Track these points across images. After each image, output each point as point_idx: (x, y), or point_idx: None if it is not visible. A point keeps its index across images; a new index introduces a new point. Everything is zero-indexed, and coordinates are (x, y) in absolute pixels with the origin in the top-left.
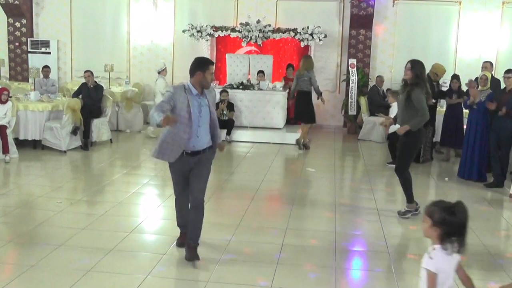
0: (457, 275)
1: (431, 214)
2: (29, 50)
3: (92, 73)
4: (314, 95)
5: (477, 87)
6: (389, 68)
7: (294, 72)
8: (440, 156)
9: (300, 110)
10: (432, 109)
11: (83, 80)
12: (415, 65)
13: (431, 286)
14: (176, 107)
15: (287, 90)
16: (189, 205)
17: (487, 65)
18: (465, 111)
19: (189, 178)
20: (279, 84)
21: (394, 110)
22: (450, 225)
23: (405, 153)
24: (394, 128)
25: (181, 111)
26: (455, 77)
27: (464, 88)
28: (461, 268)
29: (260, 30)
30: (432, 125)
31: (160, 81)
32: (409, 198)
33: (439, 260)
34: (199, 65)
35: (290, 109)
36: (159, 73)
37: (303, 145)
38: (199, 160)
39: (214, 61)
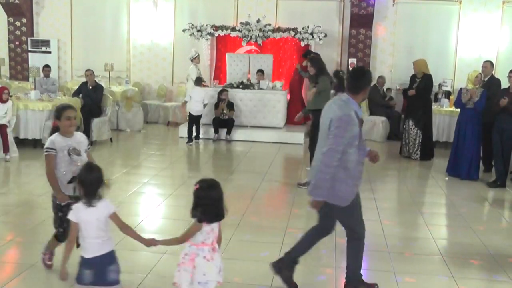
0: (114, 223)
1: (77, 177)
2: (29, 49)
3: (93, 72)
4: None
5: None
6: (389, 68)
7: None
8: None
9: None
10: (427, 106)
11: (83, 79)
12: (313, 62)
13: (72, 233)
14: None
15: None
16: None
17: (488, 65)
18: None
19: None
20: (279, 84)
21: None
22: (82, 182)
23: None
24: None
25: (355, 140)
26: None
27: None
28: (115, 217)
29: (260, 30)
30: (424, 122)
31: (193, 69)
32: None
33: (78, 211)
34: (370, 78)
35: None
36: (191, 60)
37: None
38: None
39: (214, 61)
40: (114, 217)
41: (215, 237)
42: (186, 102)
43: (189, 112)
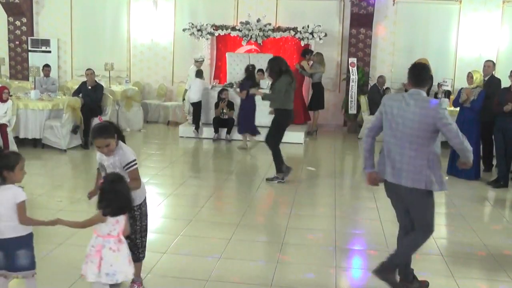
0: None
1: None
2: (29, 48)
3: (93, 72)
4: None
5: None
6: (389, 67)
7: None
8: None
9: (318, 99)
10: None
11: (83, 79)
12: (270, 69)
13: None
14: None
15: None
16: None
17: (490, 64)
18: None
19: None
20: None
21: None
22: None
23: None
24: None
25: None
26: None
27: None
28: (19, 207)
29: (260, 29)
30: None
31: (193, 69)
32: (279, 168)
33: None
34: (429, 70)
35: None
36: (196, 61)
37: (315, 132)
38: None
39: (215, 60)
40: (19, 206)
41: (121, 229)
42: (186, 90)
43: (189, 102)
